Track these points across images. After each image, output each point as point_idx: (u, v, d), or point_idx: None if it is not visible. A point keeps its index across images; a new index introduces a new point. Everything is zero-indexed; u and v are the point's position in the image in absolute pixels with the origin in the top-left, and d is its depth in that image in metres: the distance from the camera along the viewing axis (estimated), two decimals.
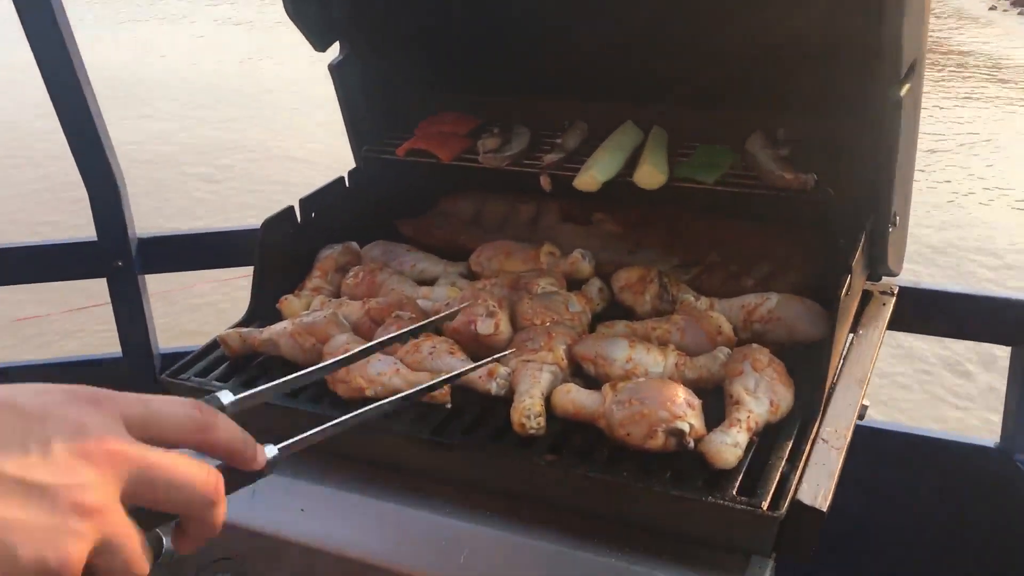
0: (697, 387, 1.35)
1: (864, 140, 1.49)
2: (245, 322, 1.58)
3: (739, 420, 1.22)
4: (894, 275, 1.68)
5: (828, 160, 1.55)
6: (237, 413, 0.85)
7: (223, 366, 1.49)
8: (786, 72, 1.55)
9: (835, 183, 1.51)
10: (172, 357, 2.19)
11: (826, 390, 1.29)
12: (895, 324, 1.67)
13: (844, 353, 1.48)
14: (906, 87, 1.40)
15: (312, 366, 1.00)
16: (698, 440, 1.20)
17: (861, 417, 1.43)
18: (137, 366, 2.14)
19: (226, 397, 0.82)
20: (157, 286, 2.26)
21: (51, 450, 0.60)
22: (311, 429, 0.93)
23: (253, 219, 1.76)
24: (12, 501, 0.58)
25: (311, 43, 1.71)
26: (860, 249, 1.43)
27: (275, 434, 1.41)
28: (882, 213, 1.51)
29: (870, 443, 1.85)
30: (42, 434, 0.60)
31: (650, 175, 1.54)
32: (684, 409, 1.21)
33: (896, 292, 1.69)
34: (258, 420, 1.43)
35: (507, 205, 1.84)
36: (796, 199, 1.54)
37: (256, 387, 1.37)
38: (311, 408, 1.36)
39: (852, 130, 1.53)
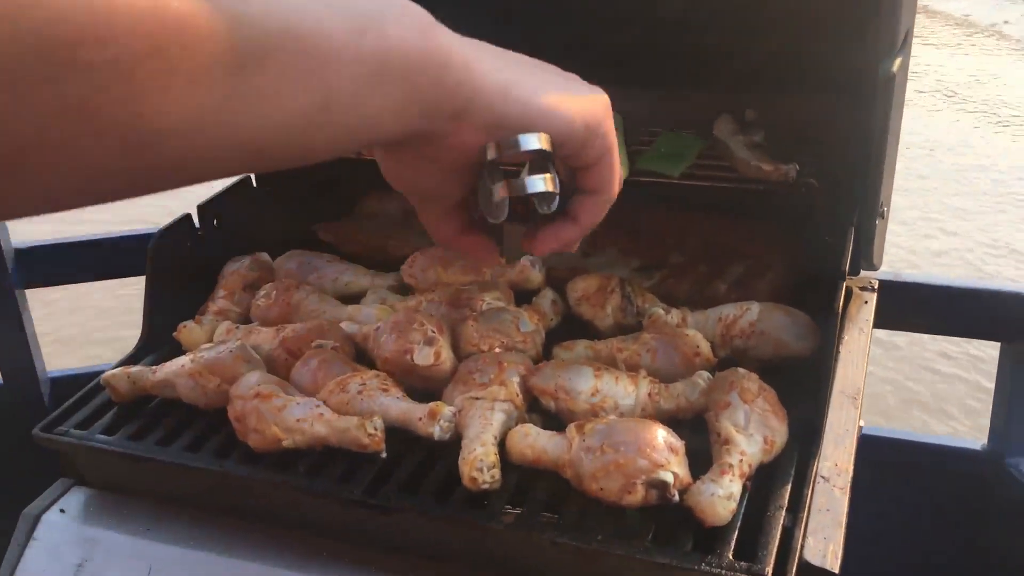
0: (674, 419, 1.16)
1: (849, 122, 1.31)
2: (135, 357, 1.33)
3: (731, 465, 1.03)
4: (875, 268, 1.51)
5: (808, 146, 1.36)
6: None
7: (111, 413, 1.24)
8: (758, 44, 1.35)
9: (817, 172, 1.32)
10: (64, 383, 1.92)
11: (825, 423, 1.11)
12: (876, 322, 1.51)
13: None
14: (898, 60, 1.22)
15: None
16: (683, 491, 1.01)
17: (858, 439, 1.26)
18: (21, 394, 1.87)
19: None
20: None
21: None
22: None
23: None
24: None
25: None
26: (850, 249, 1.25)
27: (168, 495, 1.19)
28: (870, 204, 1.33)
29: None
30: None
31: None
32: (666, 455, 1.01)
33: (876, 287, 1.52)
34: (147, 479, 1.21)
35: None
36: (772, 191, 1.35)
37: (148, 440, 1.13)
38: (215, 466, 1.13)
39: (835, 111, 1.35)
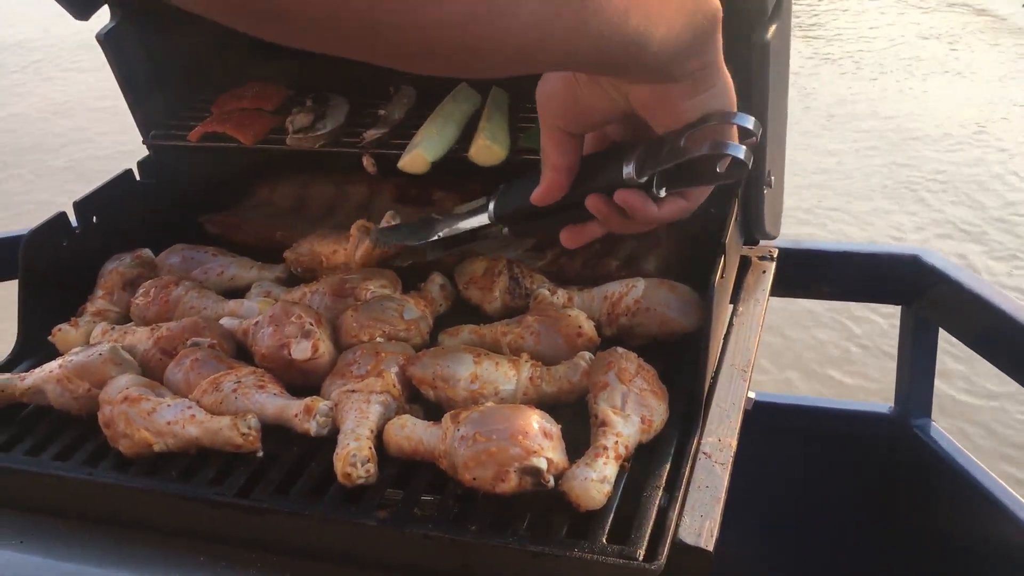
0: (558, 402, 1.14)
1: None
2: (10, 364, 1.29)
3: (606, 448, 1.01)
4: (772, 239, 1.51)
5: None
6: None
7: None
8: None
9: None
10: None
11: (703, 402, 1.10)
12: (776, 290, 1.50)
13: (724, 336, 1.30)
14: (772, 28, 1.21)
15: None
16: (558, 476, 1.00)
17: (748, 412, 1.25)
18: None
19: None
20: None
21: None
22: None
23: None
24: None
25: (68, 10, 1.39)
26: (733, 222, 1.24)
27: (40, 509, 1.15)
28: (755, 173, 1.32)
29: (755, 418, 1.69)
30: None
31: (487, 151, 1.30)
32: (539, 441, 1.00)
33: (776, 256, 1.51)
34: (17, 491, 1.15)
35: (334, 189, 1.57)
36: None
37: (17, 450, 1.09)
38: (83, 474, 1.09)
39: None
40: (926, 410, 1.61)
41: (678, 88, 0.82)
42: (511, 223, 1.08)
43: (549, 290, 1.26)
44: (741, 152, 0.86)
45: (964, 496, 1.55)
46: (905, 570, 1.71)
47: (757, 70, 1.19)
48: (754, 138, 0.88)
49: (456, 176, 1.47)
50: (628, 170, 0.91)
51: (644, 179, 0.90)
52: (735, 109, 0.87)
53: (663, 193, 0.92)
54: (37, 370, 1.19)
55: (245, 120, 1.43)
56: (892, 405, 1.66)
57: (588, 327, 1.19)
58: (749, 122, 0.86)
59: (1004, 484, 1.53)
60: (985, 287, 1.49)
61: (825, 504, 1.73)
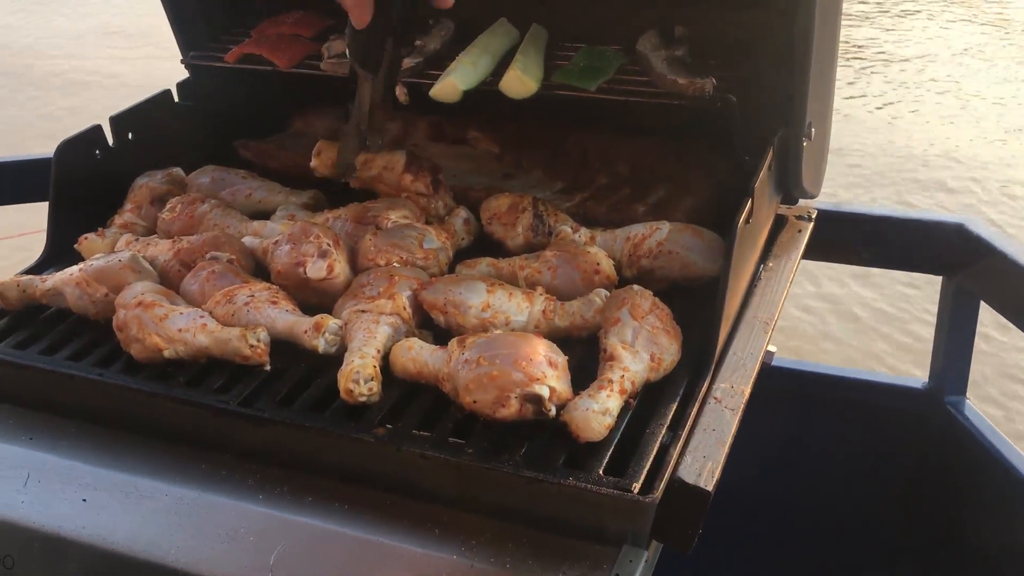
0: (570, 338, 1.12)
1: (774, 37, 1.25)
2: (38, 267, 1.31)
3: (611, 381, 0.99)
4: (811, 197, 1.46)
5: (733, 62, 1.30)
6: None
7: (1, 322, 1.22)
8: None
9: (740, 89, 1.27)
10: None
11: (719, 339, 1.07)
12: (813, 253, 1.46)
13: (749, 290, 1.26)
14: None
15: None
16: (561, 407, 0.98)
17: (766, 365, 1.22)
18: None
19: None
20: None
21: None
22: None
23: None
24: None
25: None
26: (766, 168, 1.20)
27: (50, 408, 1.17)
28: (795, 124, 1.27)
29: (787, 386, 1.65)
30: None
31: (519, 82, 1.28)
32: (543, 369, 0.98)
33: (814, 217, 1.47)
34: (30, 388, 1.17)
35: None
36: (695, 109, 1.29)
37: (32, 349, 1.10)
38: (93, 375, 1.10)
39: (761, 26, 1.29)
40: (961, 387, 1.56)
41: None
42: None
43: (572, 228, 1.24)
44: None
45: (995, 476, 1.49)
46: (931, 546, 1.66)
47: (803, 14, 1.15)
48: None
49: (491, 115, 1.45)
50: None
51: None
52: None
53: None
54: (58, 274, 1.21)
55: (282, 44, 1.42)
56: (926, 380, 1.60)
57: (606, 264, 1.17)
58: None
59: None
60: None
61: (853, 475, 1.69)
